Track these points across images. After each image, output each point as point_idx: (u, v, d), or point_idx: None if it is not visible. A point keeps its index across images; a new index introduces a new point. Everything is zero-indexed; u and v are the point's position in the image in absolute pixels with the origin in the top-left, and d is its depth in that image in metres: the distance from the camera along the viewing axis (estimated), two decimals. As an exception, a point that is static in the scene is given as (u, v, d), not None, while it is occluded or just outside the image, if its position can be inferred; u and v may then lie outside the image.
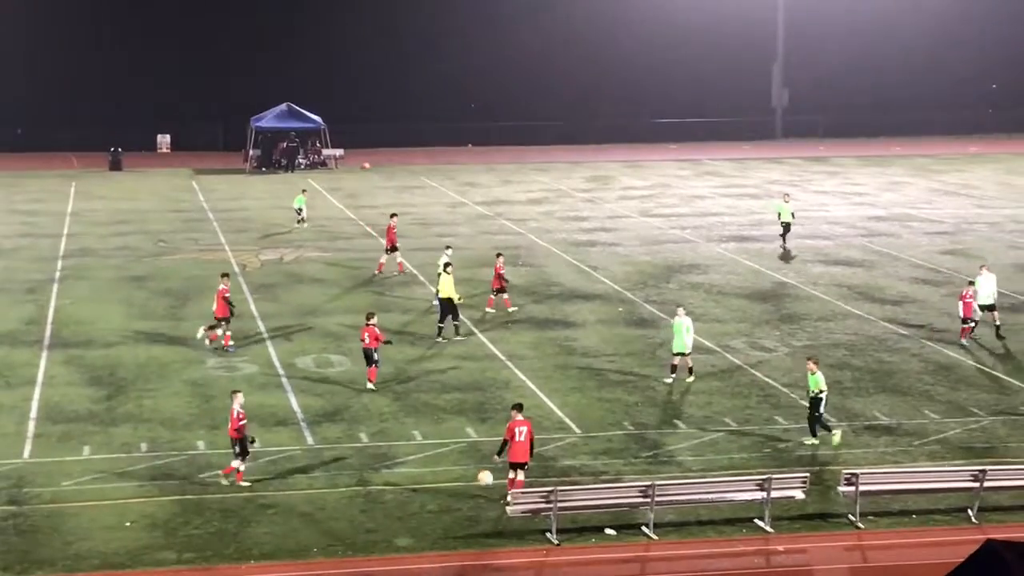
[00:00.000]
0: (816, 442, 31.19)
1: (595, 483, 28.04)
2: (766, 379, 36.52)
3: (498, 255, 45.10)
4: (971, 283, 40.97)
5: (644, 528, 26.04)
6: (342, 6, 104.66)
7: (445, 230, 61.76)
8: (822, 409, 31.23)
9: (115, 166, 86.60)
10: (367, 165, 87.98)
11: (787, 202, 57.73)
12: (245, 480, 28.25)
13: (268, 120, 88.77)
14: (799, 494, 26.84)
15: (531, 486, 26.87)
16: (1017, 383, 36.09)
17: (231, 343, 39.54)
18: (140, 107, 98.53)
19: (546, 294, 47.59)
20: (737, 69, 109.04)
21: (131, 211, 68.05)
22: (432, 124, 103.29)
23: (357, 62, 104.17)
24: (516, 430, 27.19)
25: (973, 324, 40.27)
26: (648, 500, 25.97)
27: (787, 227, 56.84)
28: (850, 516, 26.68)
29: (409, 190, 77.09)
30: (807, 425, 31.33)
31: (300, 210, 62.32)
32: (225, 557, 24.92)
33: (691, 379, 36.19)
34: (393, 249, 51.32)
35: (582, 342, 40.71)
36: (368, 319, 35.71)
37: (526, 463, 27.34)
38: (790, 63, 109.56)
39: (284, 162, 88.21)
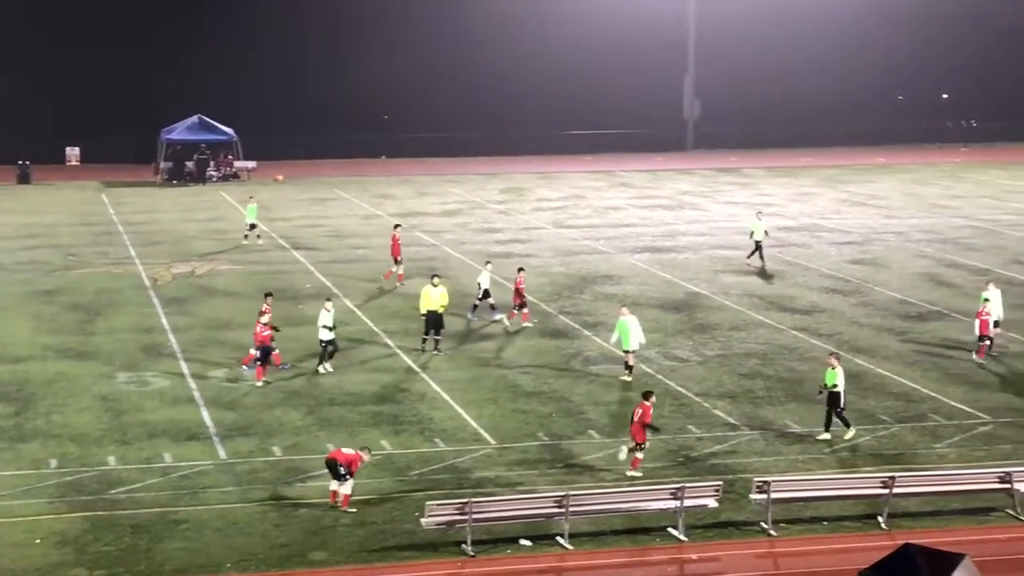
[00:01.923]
0: (829, 437, 32.02)
1: (510, 494, 28.07)
2: (679, 388, 36.77)
3: (519, 270, 45.07)
4: (986, 300, 40.35)
5: (559, 538, 26.12)
6: (255, 19, 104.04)
7: (360, 242, 61.63)
8: (843, 403, 32.08)
9: (23, 179, 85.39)
10: (280, 177, 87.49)
11: (760, 219, 56.76)
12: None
13: (179, 132, 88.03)
14: (712, 502, 27.05)
15: (445, 498, 26.87)
16: (924, 390, 36.60)
17: (282, 362, 38.47)
18: (49, 120, 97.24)
19: (461, 306, 47.56)
20: (649, 81, 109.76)
21: (40, 225, 67.18)
22: (346, 136, 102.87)
23: (270, 74, 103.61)
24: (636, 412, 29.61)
25: (989, 342, 39.77)
26: (563, 510, 26.05)
27: (759, 245, 55.61)
28: (762, 524, 26.92)
29: (323, 202, 76.79)
30: (824, 420, 32.42)
31: (253, 225, 61.48)
32: (136, 573, 24.67)
33: (628, 377, 37.17)
34: (397, 262, 51.36)
35: (497, 354, 40.76)
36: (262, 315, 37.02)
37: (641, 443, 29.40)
38: (701, 75, 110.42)
39: (196, 173, 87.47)
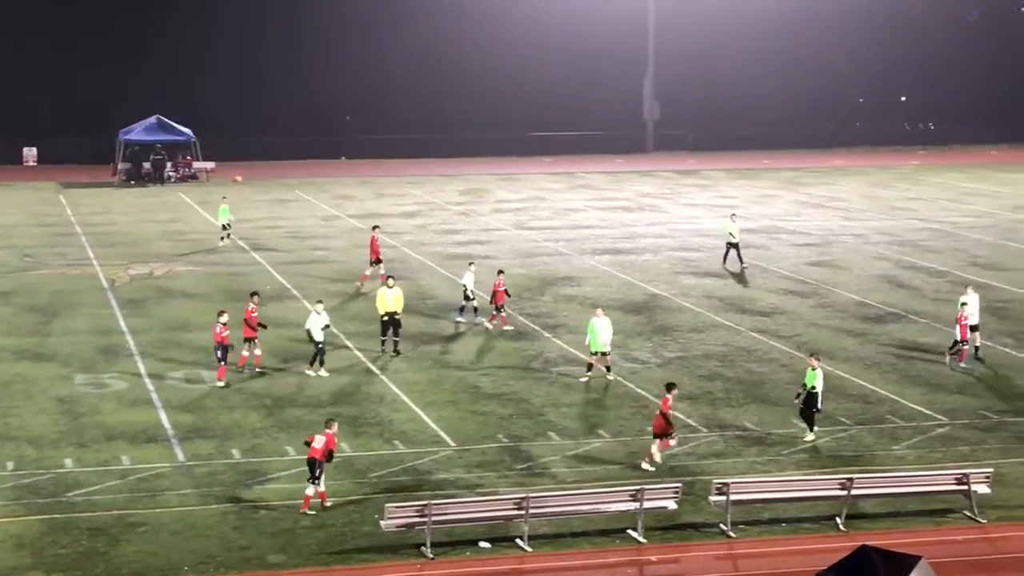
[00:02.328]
0: (813, 437, 32.17)
1: (470, 496, 28.04)
2: (639, 390, 36.83)
3: (499, 272, 44.87)
4: (964, 304, 40.04)
5: (519, 541, 26.10)
6: (214, 19, 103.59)
7: (319, 243, 61.49)
8: (819, 405, 32.37)
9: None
10: (239, 178, 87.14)
11: (734, 221, 56.43)
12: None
13: (137, 133, 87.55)
14: (671, 504, 27.10)
15: (405, 500, 26.81)
16: (883, 392, 36.78)
17: (259, 365, 38.49)
18: (5, 120, 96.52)
19: (421, 308, 47.52)
20: (609, 83, 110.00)
21: (-4, 225, 66.73)
22: (306, 137, 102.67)
23: (230, 74, 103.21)
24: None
25: (967, 346, 39.47)
26: (522, 512, 26.04)
27: (734, 246, 55.30)
28: (721, 525, 26.98)
29: (283, 203, 76.55)
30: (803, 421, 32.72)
31: (226, 225, 61.15)
32: (94, 577, 24.52)
33: (611, 376, 37.57)
34: (378, 261, 51.06)
35: (457, 355, 40.72)
36: (220, 315, 36.94)
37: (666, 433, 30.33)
38: (661, 77, 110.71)
39: (154, 174, 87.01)
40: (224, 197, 64.98)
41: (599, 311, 38.47)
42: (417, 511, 25.67)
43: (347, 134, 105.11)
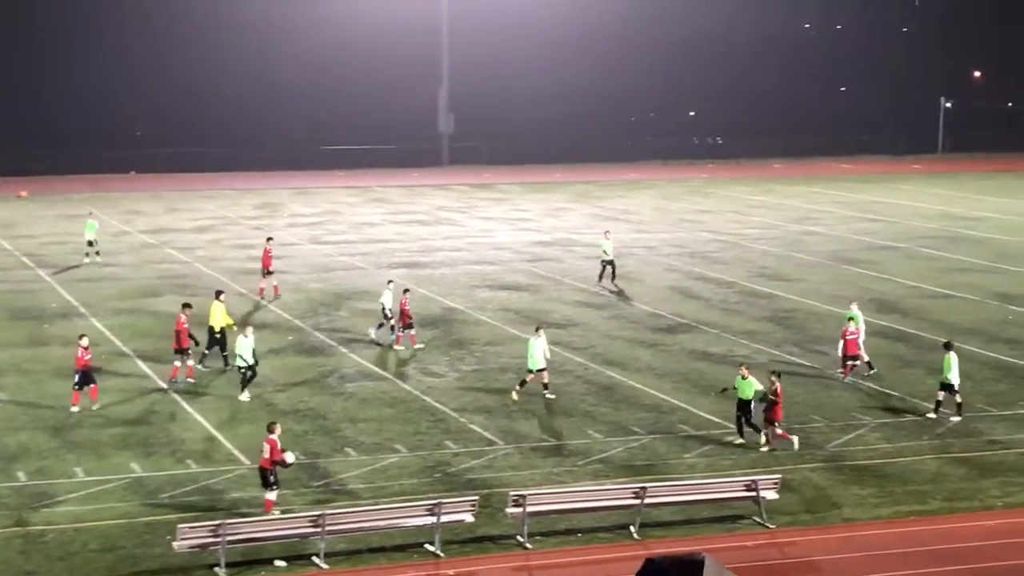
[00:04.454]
0: (765, 440, 33.25)
1: (265, 515, 27.66)
2: (436, 404, 36.83)
3: (405, 291, 43.96)
4: (850, 318, 40.05)
5: (315, 558, 25.85)
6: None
7: (109, 259, 60.11)
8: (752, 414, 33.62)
9: None
10: (24, 193, 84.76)
11: (607, 238, 55.84)
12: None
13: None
14: (469, 517, 27.13)
15: (198, 520, 26.33)
16: (675, 401, 37.42)
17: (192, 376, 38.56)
18: None
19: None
20: (404, 96, 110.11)
21: None
22: (94, 151, 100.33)
23: (15, 86, 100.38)
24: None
25: (855, 363, 39.38)
26: (319, 530, 25.80)
27: (609, 263, 54.91)
28: (518, 537, 27.11)
29: (70, 219, 74.65)
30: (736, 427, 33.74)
31: (91, 242, 59.42)
32: None
33: (552, 396, 37.34)
34: (268, 273, 50.87)
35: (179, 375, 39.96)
36: (80, 338, 36.06)
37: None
38: (456, 90, 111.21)
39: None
40: (91, 212, 63.27)
41: (540, 331, 37.92)
42: (210, 531, 25.23)
43: (137, 148, 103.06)
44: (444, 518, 26.60)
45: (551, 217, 77.92)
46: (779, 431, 33.02)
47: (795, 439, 32.84)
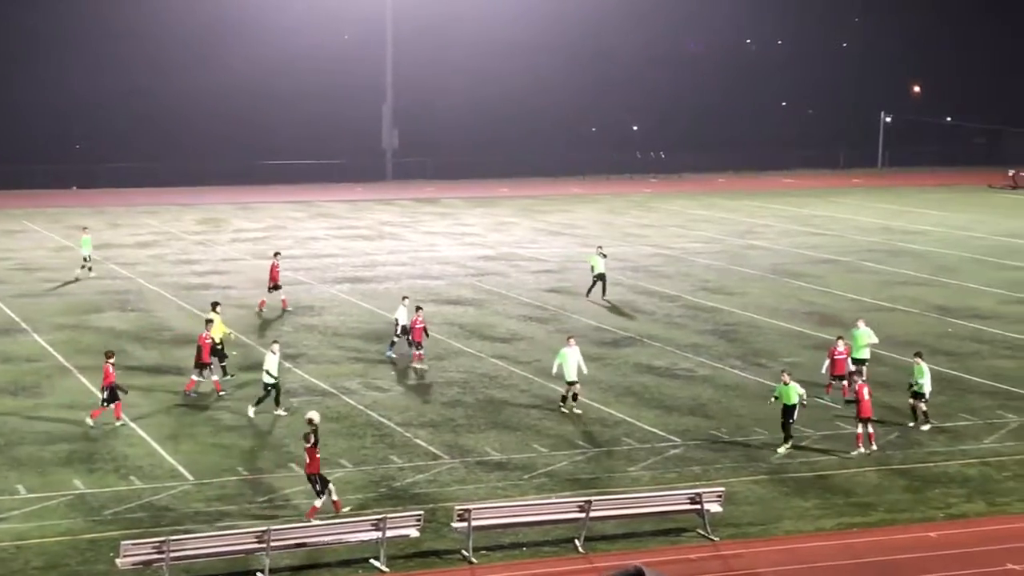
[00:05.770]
0: (784, 451, 33.74)
1: (209, 531, 27.56)
2: (381, 419, 36.80)
3: (418, 308, 43.83)
4: (839, 338, 40.02)
5: (259, 574, 25.76)
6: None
7: (51, 275, 59.67)
8: (795, 417, 34.14)
9: None
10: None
11: (598, 253, 55.81)
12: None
13: None
14: (414, 532, 27.14)
15: (141, 537, 26.19)
16: (619, 415, 37.56)
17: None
18: None
19: (156, 339, 46.59)
20: (347, 110, 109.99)
21: None
22: (33, 165, 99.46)
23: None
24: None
25: (844, 382, 38.61)
26: (264, 545, 25.73)
27: (600, 277, 54.98)
28: (463, 551, 27.14)
29: (10, 234, 74.05)
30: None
31: (87, 257, 59.14)
32: None
33: (579, 410, 37.50)
34: (276, 287, 51.27)
35: (195, 388, 39.95)
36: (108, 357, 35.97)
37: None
38: (399, 105, 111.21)
39: None
40: (85, 228, 62.81)
41: (571, 340, 38.31)
42: (155, 547, 25.12)
43: (78, 163, 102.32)
44: (389, 533, 26.60)
45: (495, 232, 78.03)
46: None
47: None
